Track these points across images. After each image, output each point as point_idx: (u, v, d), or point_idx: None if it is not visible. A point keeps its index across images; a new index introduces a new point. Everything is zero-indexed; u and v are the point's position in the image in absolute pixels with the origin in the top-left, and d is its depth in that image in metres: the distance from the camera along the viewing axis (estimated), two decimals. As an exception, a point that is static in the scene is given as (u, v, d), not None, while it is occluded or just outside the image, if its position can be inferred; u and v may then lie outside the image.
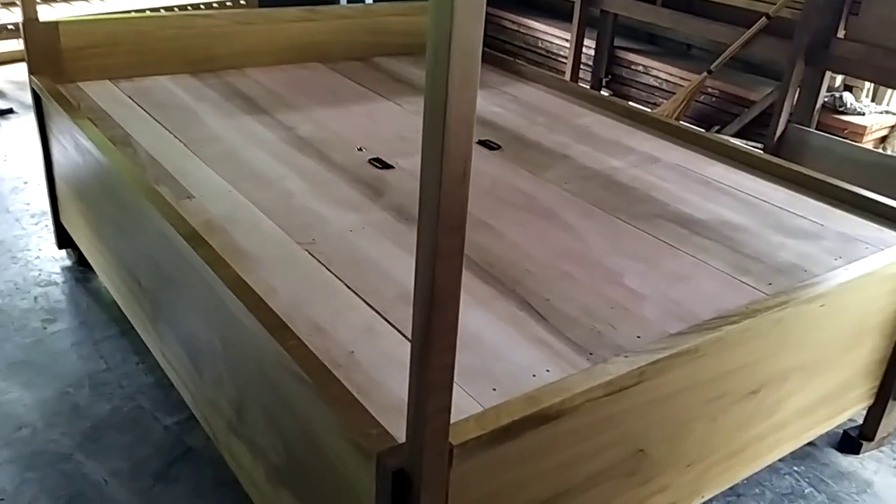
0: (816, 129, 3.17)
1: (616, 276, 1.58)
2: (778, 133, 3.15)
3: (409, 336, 1.39)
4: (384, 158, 2.06)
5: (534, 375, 1.25)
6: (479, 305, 1.44)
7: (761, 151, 3.10)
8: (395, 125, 2.33)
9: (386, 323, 1.37)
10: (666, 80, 3.76)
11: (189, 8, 3.28)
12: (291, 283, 1.47)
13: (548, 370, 1.27)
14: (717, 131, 3.52)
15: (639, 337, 1.37)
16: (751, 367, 1.45)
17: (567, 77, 4.07)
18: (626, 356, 1.26)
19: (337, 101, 2.49)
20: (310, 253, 1.58)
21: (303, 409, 1.22)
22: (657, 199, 1.95)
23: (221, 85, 2.54)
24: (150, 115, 2.24)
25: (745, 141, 3.31)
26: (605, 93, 4.10)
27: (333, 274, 1.51)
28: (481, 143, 2.22)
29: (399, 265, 1.56)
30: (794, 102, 3.15)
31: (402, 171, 2.00)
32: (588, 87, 4.11)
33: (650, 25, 4.01)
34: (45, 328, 2.23)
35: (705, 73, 3.44)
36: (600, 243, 1.72)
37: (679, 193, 1.99)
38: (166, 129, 2.14)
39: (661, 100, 3.79)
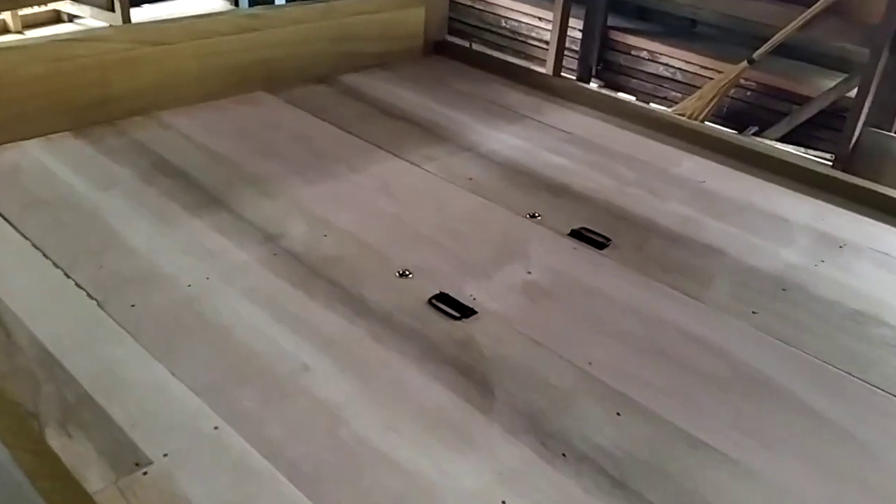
0: (898, 133, 2.57)
1: None
2: (854, 138, 2.51)
3: None
4: (450, 293, 1.23)
5: None
6: None
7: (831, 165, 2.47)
8: (431, 209, 1.49)
9: None
10: (680, 70, 3.06)
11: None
12: None
13: None
14: (756, 134, 2.86)
15: None
16: None
17: (550, 67, 3.30)
18: None
19: (320, 165, 1.61)
20: None
21: None
22: (903, 332, 1.23)
23: (130, 147, 1.60)
24: (19, 231, 1.30)
25: (802, 149, 2.68)
26: (595, 85, 3.37)
27: None
28: (578, 235, 1.43)
29: None
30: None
31: (493, 319, 1.18)
32: (575, 77, 3.36)
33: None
34: None
35: (745, 63, 2.75)
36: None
37: (924, 316, 1.28)
38: (56, 264, 1.22)
39: (672, 93, 3.10)
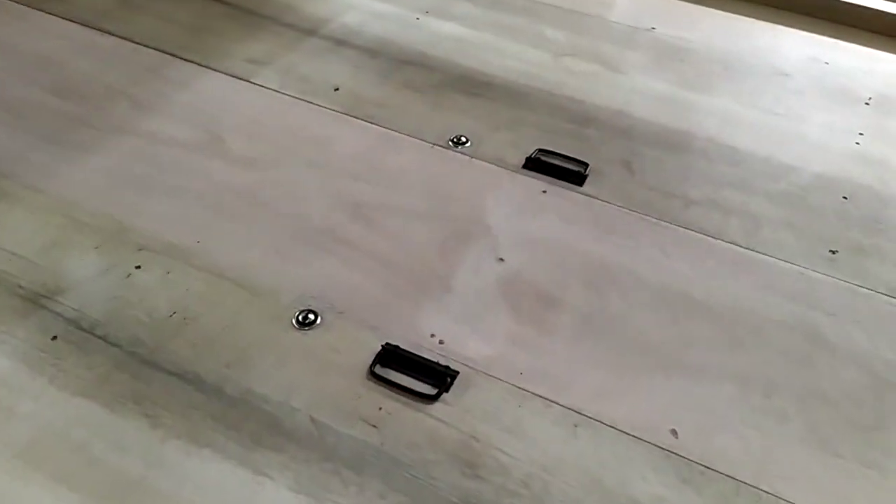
0: None
1: None
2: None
3: None
4: (400, 342, 0.71)
5: None
6: None
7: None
8: (301, 164, 0.90)
9: None
10: None
11: None
12: None
13: None
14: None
15: None
16: None
17: None
18: None
19: (82, 112, 0.95)
20: None
21: None
22: None
23: None
24: None
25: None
26: None
27: None
28: (540, 165, 0.92)
29: None
30: None
31: (488, 379, 0.69)
32: None
33: None
34: None
35: None
36: None
37: None
38: None
39: None
